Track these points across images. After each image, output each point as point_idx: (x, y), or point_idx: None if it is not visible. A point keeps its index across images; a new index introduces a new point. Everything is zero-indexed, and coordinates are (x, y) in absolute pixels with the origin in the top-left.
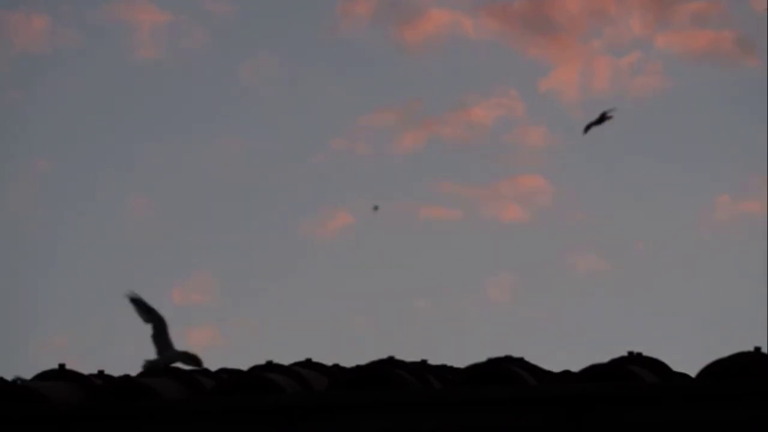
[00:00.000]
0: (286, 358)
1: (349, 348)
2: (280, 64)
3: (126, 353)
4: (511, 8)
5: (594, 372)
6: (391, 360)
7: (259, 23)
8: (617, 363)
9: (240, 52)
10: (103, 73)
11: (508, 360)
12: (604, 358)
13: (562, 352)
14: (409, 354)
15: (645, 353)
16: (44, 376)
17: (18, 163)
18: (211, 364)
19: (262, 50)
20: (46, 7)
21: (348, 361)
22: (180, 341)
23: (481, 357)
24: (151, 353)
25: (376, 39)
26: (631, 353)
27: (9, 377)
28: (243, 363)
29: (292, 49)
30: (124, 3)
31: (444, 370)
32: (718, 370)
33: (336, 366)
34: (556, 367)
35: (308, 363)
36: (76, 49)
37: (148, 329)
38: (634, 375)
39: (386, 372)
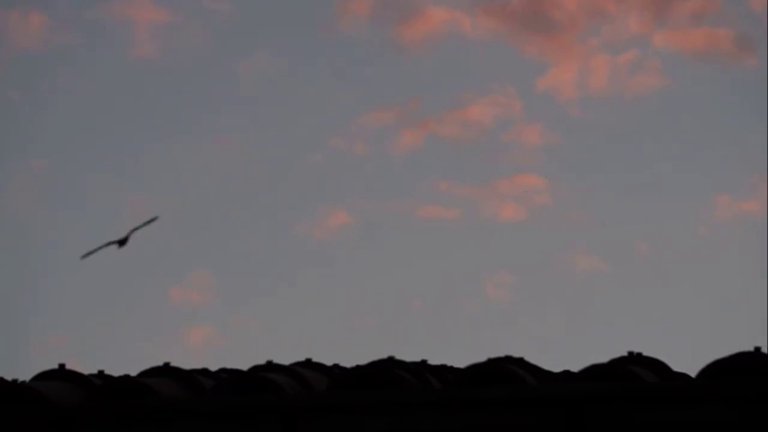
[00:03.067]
0: (286, 358)
1: (349, 348)
2: (278, 63)
3: (126, 353)
4: (509, 7)
5: (594, 372)
6: (391, 360)
7: (257, 22)
8: (617, 363)
9: (238, 51)
10: (101, 72)
11: (508, 360)
12: (604, 358)
13: (562, 352)
14: (409, 354)
15: (645, 353)
16: (44, 376)
17: (16, 163)
18: (211, 364)
19: (260, 49)
20: (43, 6)
21: (348, 361)
22: (180, 341)
23: (481, 357)
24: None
25: (374, 38)
26: (631, 353)
27: (9, 377)
28: (243, 363)
29: (290, 47)
30: (122, 1)
31: (444, 370)
32: (718, 370)
33: (336, 366)
34: (556, 367)
35: (308, 363)
36: (74, 48)
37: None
38: (634, 375)
39: (386, 372)
